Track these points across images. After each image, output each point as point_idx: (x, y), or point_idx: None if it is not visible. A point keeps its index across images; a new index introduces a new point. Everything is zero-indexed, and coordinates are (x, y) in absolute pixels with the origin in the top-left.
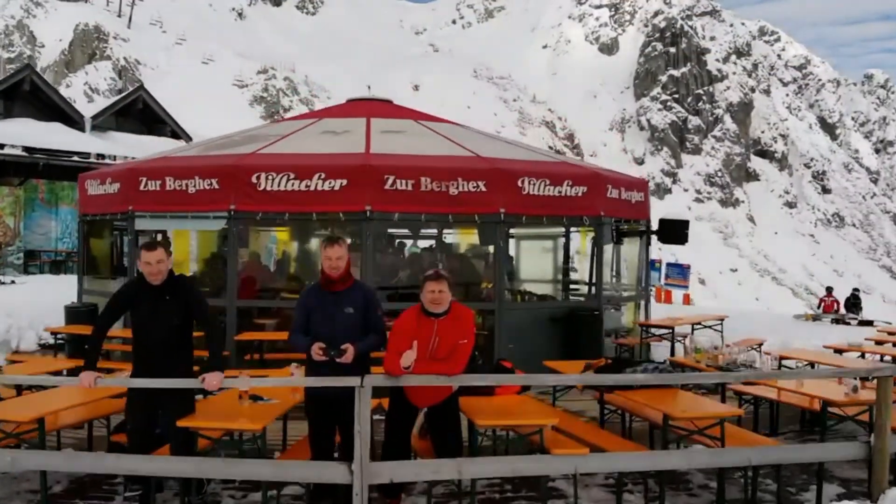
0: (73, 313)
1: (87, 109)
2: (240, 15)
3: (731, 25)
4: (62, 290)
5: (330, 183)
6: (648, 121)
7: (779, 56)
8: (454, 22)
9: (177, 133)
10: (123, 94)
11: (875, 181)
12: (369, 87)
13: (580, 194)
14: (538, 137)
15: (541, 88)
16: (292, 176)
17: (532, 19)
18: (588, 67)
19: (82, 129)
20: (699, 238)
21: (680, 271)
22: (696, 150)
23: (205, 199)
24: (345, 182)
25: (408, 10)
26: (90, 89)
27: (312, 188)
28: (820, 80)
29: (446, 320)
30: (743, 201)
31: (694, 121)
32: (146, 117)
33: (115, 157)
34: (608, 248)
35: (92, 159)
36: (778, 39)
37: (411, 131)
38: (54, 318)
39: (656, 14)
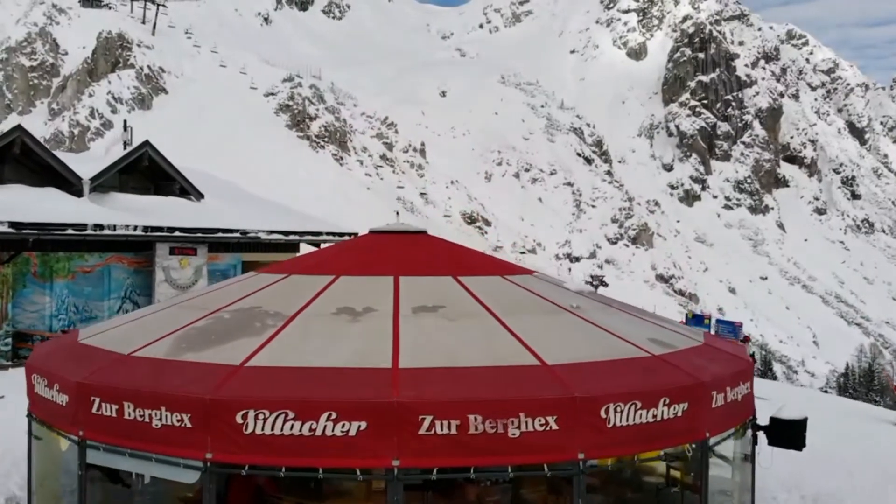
0: None
1: (87, 170)
2: (266, 20)
3: (760, 29)
4: None
5: (343, 426)
6: (677, 127)
7: (807, 60)
8: (481, 26)
9: (185, 190)
10: (127, 152)
11: None
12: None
13: (680, 414)
14: (566, 144)
15: (568, 94)
16: (291, 415)
17: (559, 24)
18: (616, 72)
19: (80, 193)
20: (729, 246)
21: (731, 329)
22: (726, 157)
23: (174, 440)
24: (363, 426)
25: (435, 14)
26: (113, 98)
27: (318, 433)
28: (848, 84)
29: None
30: (772, 208)
31: (723, 127)
32: (152, 173)
33: (114, 227)
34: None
35: (89, 231)
36: (806, 43)
37: (451, 303)
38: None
39: (685, 19)
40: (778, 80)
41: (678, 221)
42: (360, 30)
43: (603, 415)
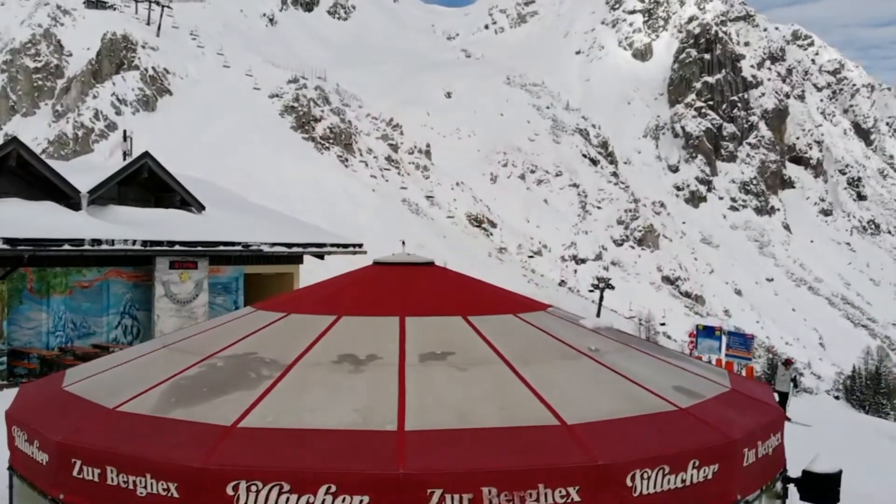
0: None
1: (85, 182)
2: (271, 21)
3: (765, 30)
4: None
5: (343, 500)
6: (683, 128)
7: (813, 61)
8: (487, 27)
9: (186, 202)
10: (126, 163)
11: None
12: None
13: (710, 476)
14: (572, 145)
15: (574, 95)
16: (286, 488)
17: (565, 25)
18: (621, 73)
19: (78, 207)
20: (735, 247)
21: (742, 342)
22: (731, 158)
23: None
24: (366, 500)
25: (440, 15)
26: (117, 100)
27: None
28: (854, 84)
29: None
30: (778, 209)
31: (729, 128)
32: (152, 185)
33: (113, 242)
34: None
35: (86, 246)
36: (812, 44)
37: (461, 349)
38: None
39: (690, 20)
40: (784, 81)
41: (684, 223)
42: (365, 31)
43: (629, 483)
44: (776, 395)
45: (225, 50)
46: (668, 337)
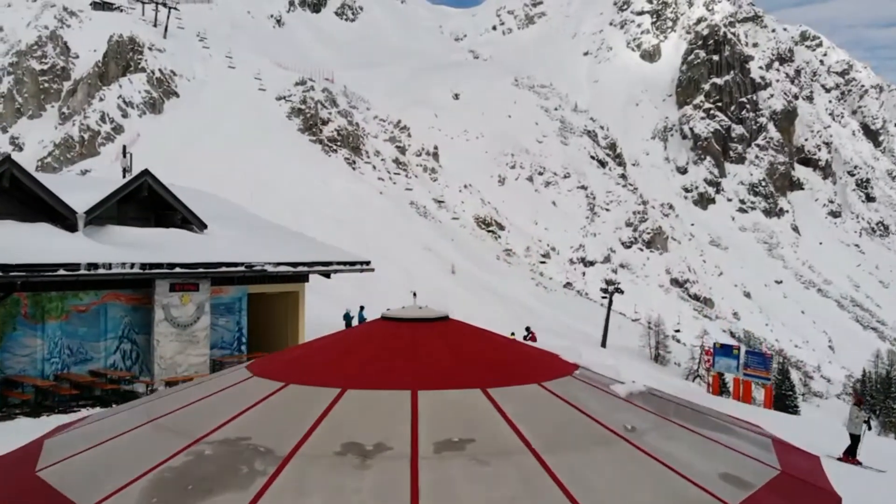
0: None
1: (82, 201)
2: (278, 22)
3: (774, 31)
4: None
5: None
6: (691, 129)
7: (821, 62)
8: (494, 28)
9: (187, 220)
10: (125, 182)
11: None
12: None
13: None
14: (580, 146)
15: (582, 96)
16: None
17: (573, 26)
18: (629, 75)
19: (74, 228)
20: (743, 249)
21: (761, 361)
22: (740, 159)
23: None
24: None
25: (448, 16)
26: (124, 102)
27: None
28: (863, 85)
29: None
30: (787, 211)
31: (737, 129)
32: (152, 203)
33: (110, 266)
34: None
35: (82, 271)
36: (820, 44)
37: (481, 434)
38: None
39: (699, 21)
40: (792, 82)
41: (692, 225)
42: (372, 31)
43: None
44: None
45: (232, 52)
46: (679, 341)
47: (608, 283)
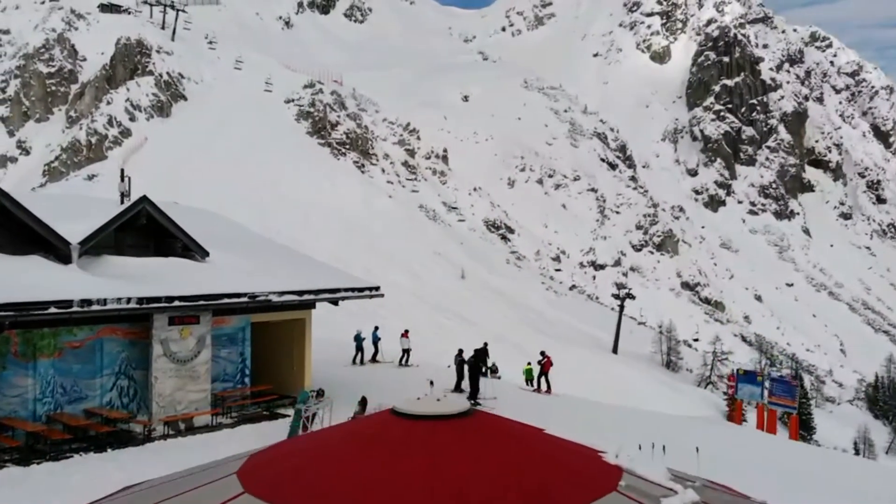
0: None
1: (75, 232)
2: (287, 24)
3: (783, 32)
4: None
5: None
6: (702, 131)
7: (831, 62)
8: (503, 29)
9: (188, 248)
10: (122, 209)
11: None
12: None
13: None
14: (590, 149)
15: (591, 98)
16: None
17: (582, 27)
18: (639, 76)
19: (68, 260)
20: (754, 252)
21: (787, 389)
22: (751, 161)
23: None
24: None
25: (457, 17)
26: (132, 106)
27: None
28: (873, 86)
29: None
30: (798, 213)
31: (748, 131)
32: (151, 230)
33: (104, 301)
34: None
35: (75, 308)
36: (829, 45)
37: None
38: None
39: (709, 22)
40: (802, 84)
41: (703, 227)
42: (381, 33)
43: None
44: None
45: (241, 54)
46: (690, 346)
47: (619, 286)
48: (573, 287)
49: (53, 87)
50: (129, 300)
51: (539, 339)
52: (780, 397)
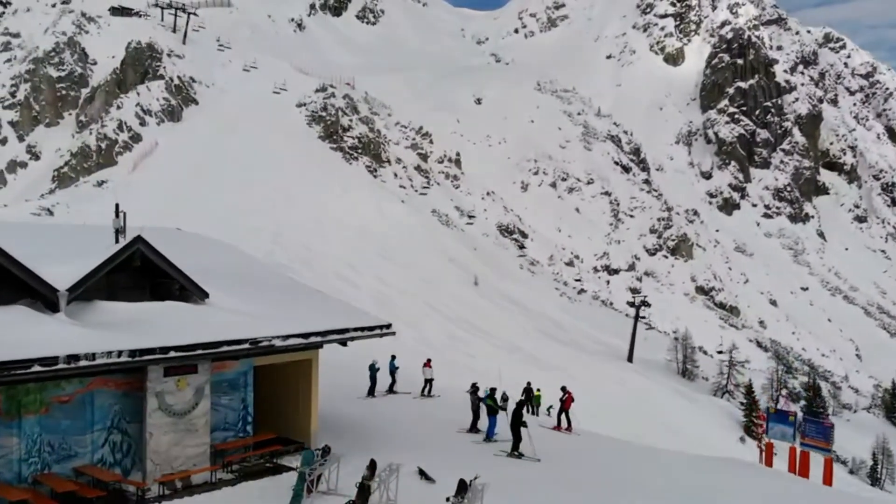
0: None
1: (64, 276)
2: (299, 26)
3: (797, 33)
4: None
5: None
6: (716, 134)
7: (845, 64)
8: (516, 31)
9: (185, 289)
10: (115, 251)
11: None
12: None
13: None
14: (603, 152)
15: (605, 100)
16: None
17: (595, 29)
18: (653, 78)
19: (56, 308)
20: (769, 256)
21: (821, 431)
22: (765, 164)
23: None
24: None
25: (470, 18)
26: (142, 110)
27: None
28: (887, 88)
29: None
30: (812, 216)
31: (762, 134)
32: (147, 271)
33: (93, 356)
34: None
35: (61, 364)
36: (843, 46)
37: None
38: None
39: (723, 24)
40: (816, 86)
41: (717, 231)
42: (394, 35)
43: None
44: None
45: (252, 57)
46: (706, 353)
47: (633, 292)
48: (582, 291)
49: (64, 92)
50: (120, 353)
51: (554, 347)
52: (813, 439)
